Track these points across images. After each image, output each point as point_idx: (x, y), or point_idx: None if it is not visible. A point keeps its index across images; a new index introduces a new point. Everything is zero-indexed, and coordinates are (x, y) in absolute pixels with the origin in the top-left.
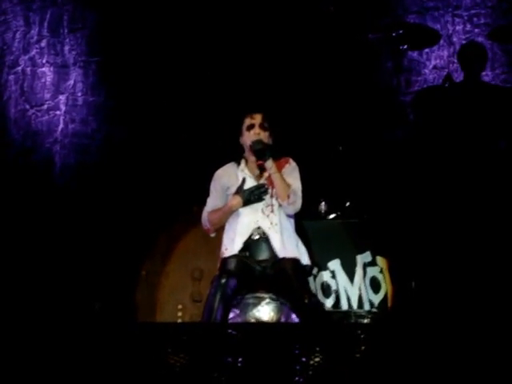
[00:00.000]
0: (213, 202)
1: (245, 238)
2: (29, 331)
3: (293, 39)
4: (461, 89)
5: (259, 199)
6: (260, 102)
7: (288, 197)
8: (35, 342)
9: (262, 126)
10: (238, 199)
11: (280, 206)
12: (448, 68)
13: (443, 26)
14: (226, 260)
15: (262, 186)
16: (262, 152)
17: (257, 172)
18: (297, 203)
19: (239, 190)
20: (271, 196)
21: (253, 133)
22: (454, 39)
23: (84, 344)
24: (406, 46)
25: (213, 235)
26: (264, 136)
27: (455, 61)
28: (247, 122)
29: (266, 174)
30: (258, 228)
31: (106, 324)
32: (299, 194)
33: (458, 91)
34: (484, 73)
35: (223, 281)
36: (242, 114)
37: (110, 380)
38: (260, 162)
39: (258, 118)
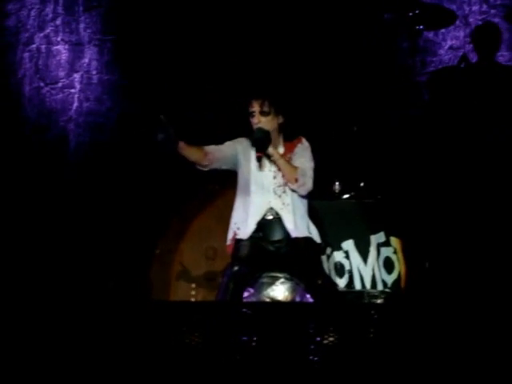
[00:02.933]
0: (215, 146)
1: (258, 218)
2: (43, 310)
3: (308, 19)
4: (476, 69)
5: None
6: (260, 85)
7: (296, 180)
8: (49, 321)
9: (261, 113)
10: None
11: None
12: (464, 48)
13: (459, 7)
14: (238, 244)
15: None
16: (259, 142)
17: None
18: (307, 184)
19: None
20: (283, 176)
21: (253, 122)
22: (470, 20)
23: (98, 322)
24: (421, 27)
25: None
26: (265, 122)
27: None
28: (249, 108)
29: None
30: (271, 208)
31: (119, 302)
32: (309, 173)
33: (474, 72)
34: (500, 53)
35: (235, 269)
36: (245, 98)
37: (124, 358)
38: (259, 154)
39: (256, 106)
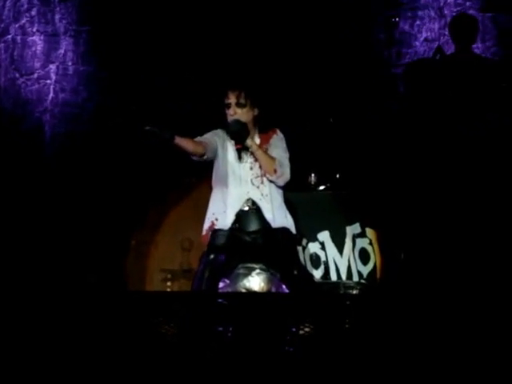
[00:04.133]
0: (204, 138)
1: (236, 210)
2: (22, 305)
3: (285, 10)
4: (451, 61)
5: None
6: (236, 77)
7: (275, 171)
8: (29, 316)
9: (237, 105)
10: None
11: None
12: (439, 40)
13: None
14: (215, 234)
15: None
16: (237, 134)
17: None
18: (285, 174)
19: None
20: (260, 167)
21: (228, 113)
22: (446, 12)
23: (74, 313)
24: (397, 19)
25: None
26: (241, 114)
27: (446, 33)
28: (225, 100)
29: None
30: (249, 199)
31: (96, 293)
32: (286, 163)
33: (449, 63)
34: (475, 45)
35: (211, 257)
36: (223, 88)
37: (103, 349)
38: (238, 146)
39: (232, 98)
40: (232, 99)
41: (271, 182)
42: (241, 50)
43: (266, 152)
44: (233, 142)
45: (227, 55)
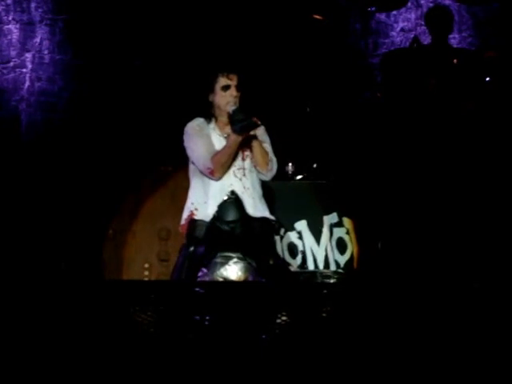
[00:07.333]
0: (208, 146)
1: (219, 201)
2: None
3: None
4: (428, 51)
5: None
6: (236, 62)
7: (267, 164)
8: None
9: (237, 88)
10: (234, 136)
11: (251, 169)
12: (415, 30)
13: None
14: (194, 225)
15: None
16: (247, 124)
17: (227, 131)
18: (274, 169)
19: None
20: (242, 159)
21: (229, 94)
22: (422, 1)
23: (51, 302)
24: (373, 8)
25: (218, 175)
26: (237, 97)
27: (422, 23)
28: (222, 81)
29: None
30: (231, 191)
31: (72, 282)
32: (274, 159)
33: (425, 53)
34: (451, 35)
35: (191, 249)
36: (215, 71)
37: (78, 338)
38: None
39: (234, 80)
40: (234, 81)
41: (261, 175)
42: (222, 35)
43: (262, 146)
44: (216, 131)
45: (203, 42)
